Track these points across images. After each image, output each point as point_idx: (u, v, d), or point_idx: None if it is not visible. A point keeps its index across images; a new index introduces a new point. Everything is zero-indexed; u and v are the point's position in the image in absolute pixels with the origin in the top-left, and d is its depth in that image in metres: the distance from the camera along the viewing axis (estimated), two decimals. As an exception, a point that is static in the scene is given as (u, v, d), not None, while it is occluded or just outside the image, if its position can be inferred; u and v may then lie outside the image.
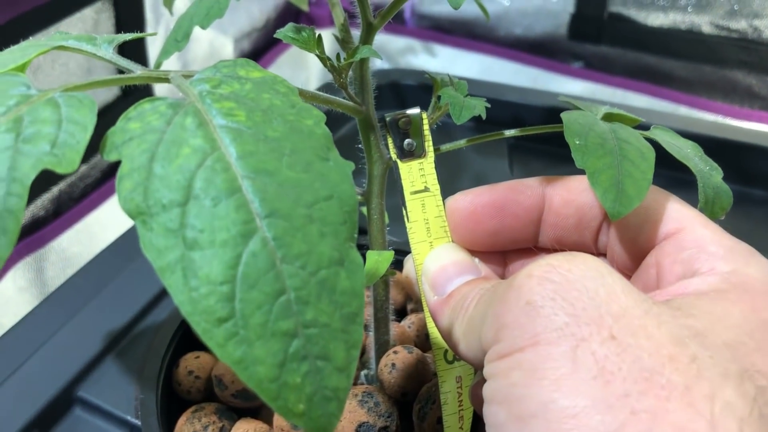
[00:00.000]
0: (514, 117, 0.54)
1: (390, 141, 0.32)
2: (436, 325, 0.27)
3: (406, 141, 0.32)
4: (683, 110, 0.96)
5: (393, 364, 0.35)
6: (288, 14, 1.03)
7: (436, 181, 0.31)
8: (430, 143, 0.32)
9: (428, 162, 0.31)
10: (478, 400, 0.27)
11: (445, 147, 0.32)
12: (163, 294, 0.40)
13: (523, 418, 0.19)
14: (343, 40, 0.31)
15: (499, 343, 0.21)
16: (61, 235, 0.70)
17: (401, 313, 0.42)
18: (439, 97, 0.32)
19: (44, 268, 0.70)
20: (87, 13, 0.65)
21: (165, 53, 0.35)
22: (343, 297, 0.19)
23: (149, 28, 0.74)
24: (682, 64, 0.93)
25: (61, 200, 0.71)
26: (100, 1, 0.67)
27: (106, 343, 0.37)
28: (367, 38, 0.31)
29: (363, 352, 0.38)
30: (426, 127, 0.31)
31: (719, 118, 0.91)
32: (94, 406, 0.35)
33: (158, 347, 0.37)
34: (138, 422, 0.34)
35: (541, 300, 0.20)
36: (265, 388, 0.17)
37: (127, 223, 0.65)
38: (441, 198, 0.31)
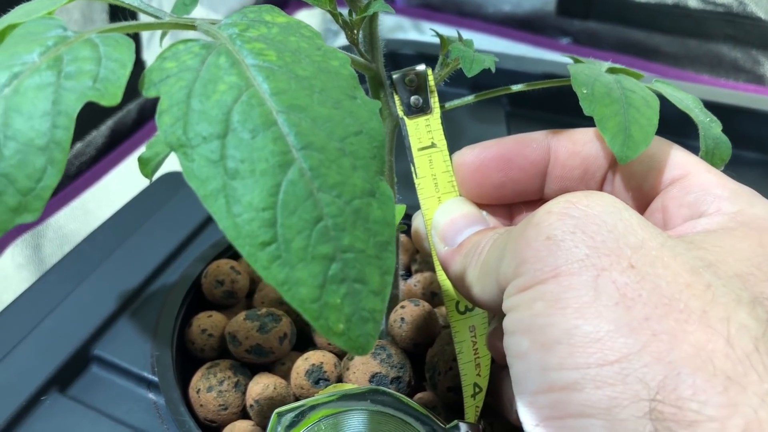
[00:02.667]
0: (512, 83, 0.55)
1: (397, 98, 0.32)
2: (448, 275, 0.28)
3: (413, 97, 0.32)
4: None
5: (402, 318, 0.36)
6: (277, -7, 1.03)
7: (443, 137, 0.32)
8: (436, 99, 0.32)
9: (434, 118, 0.32)
10: (494, 347, 0.28)
11: (450, 104, 0.33)
12: (172, 257, 0.40)
13: (547, 345, 0.20)
14: (353, -2, 0.32)
15: (519, 277, 0.22)
16: (58, 212, 0.70)
17: (406, 274, 0.43)
18: (447, 54, 0.33)
19: (42, 245, 0.70)
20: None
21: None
22: (376, 225, 0.20)
23: None
24: (668, 38, 0.94)
25: (57, 178, 0.70)
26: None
27: (119, 304, 0.37)
28: (376, -5, 0.32)
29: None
30: (432, 83, 0.32)
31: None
32: (111, 364, 0.35)
33: (171, 307, 0.38)
34: (154, 378, 0.35)
35: (562, 234, 0.21)
36: (308, 308, 0.18)
37: (122, 200, 0.66)
38: (448, 153, 0.32)
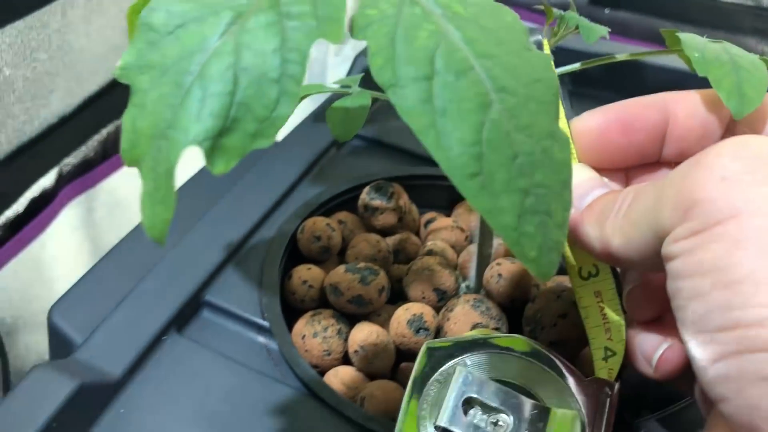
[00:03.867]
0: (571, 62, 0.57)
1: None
2: (577, 237, 0.29)
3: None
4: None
5: (499, 275, 0.38)
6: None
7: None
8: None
9: None
10: (636, 302, 0.29)
11: (561, 70, 0.35)
12: (268, 213, 0.42)
13: (730, 285, 0.21)
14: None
15: (690, 221, 0.22)
16: (110, 176, 0.72)
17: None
18: (556, 22, 0.35)
19: (94, 208, 0.71)
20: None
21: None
22: (558, 165, 0.21)
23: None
24: (697, 29, 0.96)
25: (108, 143, 0.72)
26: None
27: (224, 255, 0.39)
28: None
29: (462, 266, 0.41)
30: (548, 51, 0.34)
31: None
32: (221, 309, 0.37)
33: (272, 259, 0.40)
34: (264, 323, 0.36)
35: (737, 174, 0.22)
36: (509, 235, 0.20)
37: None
38: (566, 121, 0.32)
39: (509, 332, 0.36)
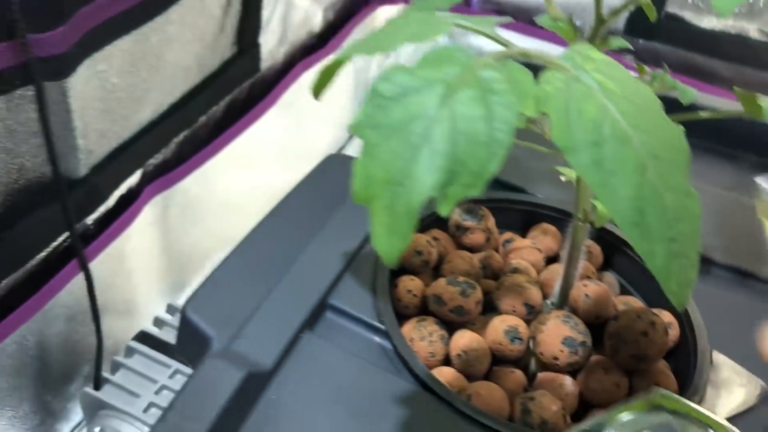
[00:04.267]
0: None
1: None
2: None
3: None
4: (726, 103, 1.06)
5: (586, 295, 0.43)
6: (363, -12, 1.09)
7: None
8: None
9: None
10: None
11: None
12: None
13: None
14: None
15: None
16: (185, 178, 0.77)
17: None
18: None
19: (169, 206, 0.77)
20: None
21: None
22: (694, 217, 0.27)
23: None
24: (726, 64, 1.02)
25: (184, 146, 0.77)
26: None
27: (342, 264, 0.44)
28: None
29: (544, 283, 0.47)
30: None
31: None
32: (343, 311, 0.42)
33: (382, 269, 0.45)
34: (380, 325, 0.42)
35: None
36: (660, 273, 0.26)
37: (238, 170, 0.75)
38: None
39: (593, 345, 0.42)
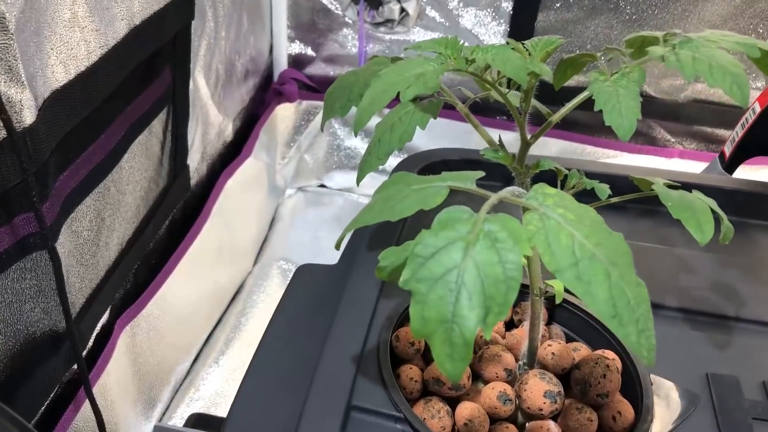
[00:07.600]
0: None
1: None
2: None
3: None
4: (589, 149, 1.23)
5: (553, 353, 0.54)
6: (262, 93, 1.19)
7: None
8: None
9: None
10: None
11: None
12: (369, 326, 0.56)
13: None
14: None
15: None
16: (147, 305, 0.82)
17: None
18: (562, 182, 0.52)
19: (137, 334, 0.81)
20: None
21: (368, 167, 0.52)
22: (646, 300, 0.38)
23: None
24: (584, 113, 1.19)
25: (138, 274, 0.82)
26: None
27: (354, 364, 0.53)
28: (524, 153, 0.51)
29: (511, 347, 0.57)
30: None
31: (618, 153, 1.20)
32: (365, 409, 0.51)
33: (384, 363, 0.54)
34: (396, 413, 0.51)
35: None
36: (634, 346, 0.36)
37: (188, 286, 0.83)
38: None
39: (564, 392, 0.53)
